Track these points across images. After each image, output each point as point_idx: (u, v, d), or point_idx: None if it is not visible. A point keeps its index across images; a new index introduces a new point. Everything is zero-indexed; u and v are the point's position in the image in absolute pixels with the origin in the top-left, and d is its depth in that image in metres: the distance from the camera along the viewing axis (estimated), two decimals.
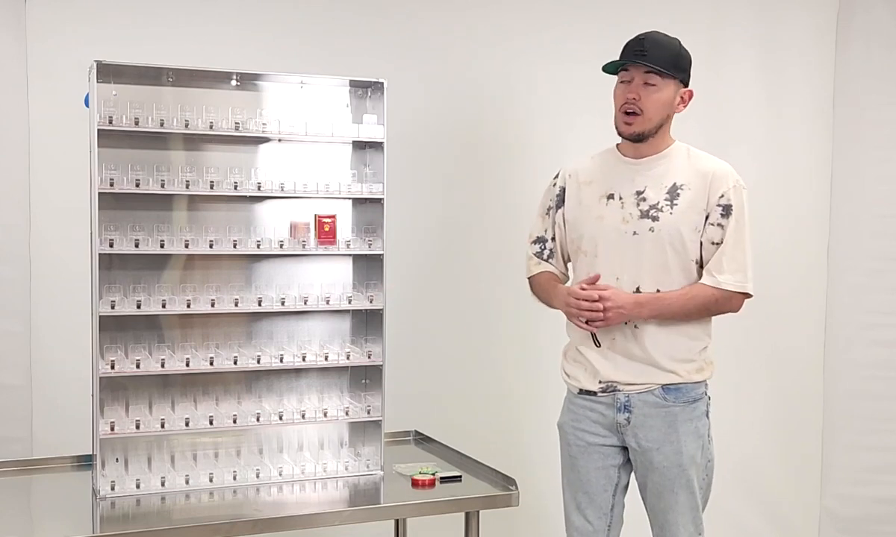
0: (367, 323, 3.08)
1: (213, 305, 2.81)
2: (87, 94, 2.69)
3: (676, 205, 2.67)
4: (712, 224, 2.67)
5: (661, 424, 2.69)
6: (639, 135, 2.69)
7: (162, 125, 2.73)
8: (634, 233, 2.69)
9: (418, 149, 3.73)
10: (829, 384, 4.37)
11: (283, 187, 2.87)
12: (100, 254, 2.68)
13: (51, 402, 3.33)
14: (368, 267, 3.06)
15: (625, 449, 2.76)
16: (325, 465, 2.93)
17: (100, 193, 2.67)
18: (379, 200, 2.96)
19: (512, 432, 3.92)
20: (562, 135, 3.89)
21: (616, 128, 2.73)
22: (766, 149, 4.23)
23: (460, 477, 2.91)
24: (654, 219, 2.67)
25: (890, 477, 4.25)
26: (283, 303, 2.89)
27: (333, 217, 2.95)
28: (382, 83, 2.94)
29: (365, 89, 3.06)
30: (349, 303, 2.97)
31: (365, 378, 3.09)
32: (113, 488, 2.69)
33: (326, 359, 2.94)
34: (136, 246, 2.72)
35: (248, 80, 2.95)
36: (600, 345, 2.71)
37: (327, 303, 2.94)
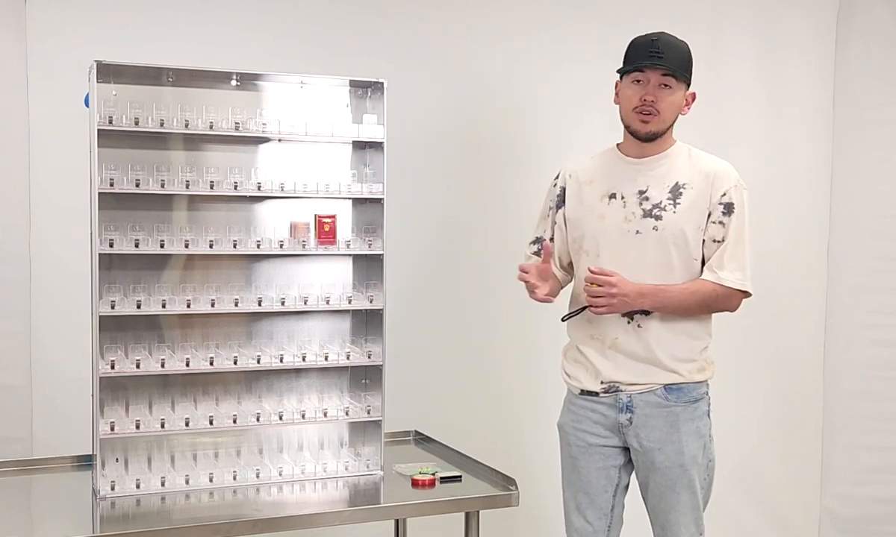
0: (367, 323, 3.08)
1: (213, 305, 2.81)
2: (87, 94, 2.69)
3: (679, 204, 2.67)
4: (714, 222, 2.67)
5: (662, 424, 2.69)
6: (654, 134, 2.69)
7: (162, 125, 2.73)
8: (637, 232, 2.69)
9: (418, 149, 3.73)
10: (829, 384, 4.37)
11: (283, 187, 2.87)
12: (100, 254, 2.68)
13: (51, 402, 3.33)
14: (368, 267, 3.06)
15: (625, 449, 2.76)
16: (325, 465, 2.93)
17: (100, 193, 2.67)
18: (379, 200, 2.96)
19: (512, 432, 3.91)
20: (562, 135, 3.88)
21: (628, 127, 2.72)
22: (766, 149, 4.22)
23: (460, 477, 2.91)
24: (658, 218, 2.67)
25: (890, 477, 4.25)
26: (283, 303, 2.89)
27: (333, 217, 2.95)
28: (382, 83, 2.94)
29: (365, 89, 3.06)
30: (349, 303, 2.97)
31: (365, 378, 3.09)
32: (113, 488, 2.69)
33: (326, 359, 2.94)
34: (136, 246, 2.72)
35: (248, 80, 2.95)
36: (565, 320, 2.75)
37: (327, 303, 2.94)
